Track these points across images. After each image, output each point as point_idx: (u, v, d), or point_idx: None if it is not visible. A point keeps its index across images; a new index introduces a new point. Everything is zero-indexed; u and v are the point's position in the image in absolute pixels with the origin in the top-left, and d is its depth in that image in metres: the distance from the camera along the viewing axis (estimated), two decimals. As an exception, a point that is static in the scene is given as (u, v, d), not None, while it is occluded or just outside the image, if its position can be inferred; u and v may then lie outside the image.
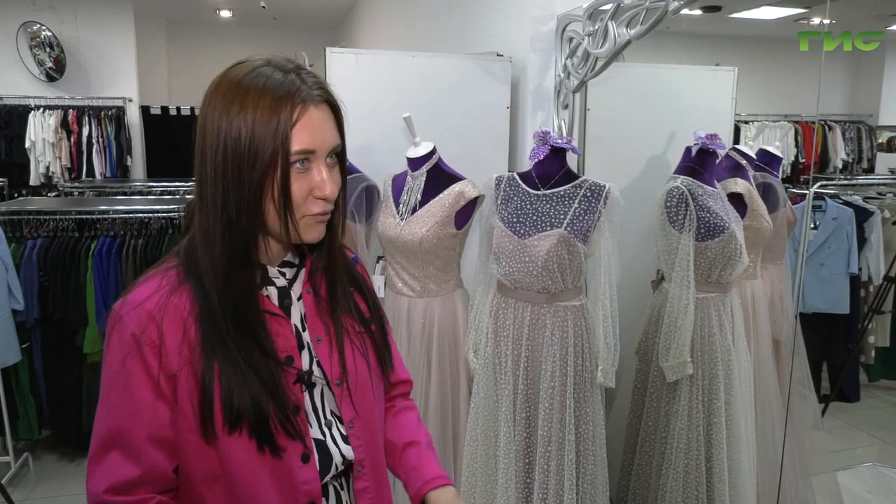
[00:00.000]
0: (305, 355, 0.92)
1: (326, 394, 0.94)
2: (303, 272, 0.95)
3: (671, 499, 2.08)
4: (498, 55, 2.51)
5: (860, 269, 2.94)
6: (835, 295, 2.84)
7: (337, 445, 0.93)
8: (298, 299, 0.94)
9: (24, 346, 3.00)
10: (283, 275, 0.93)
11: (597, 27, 1.92)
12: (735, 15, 2.79)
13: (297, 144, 0.82)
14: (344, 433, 0.94)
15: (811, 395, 2.47)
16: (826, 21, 2.04)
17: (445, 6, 3.58)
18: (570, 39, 2.16)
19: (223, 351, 0.83)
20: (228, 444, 0.83)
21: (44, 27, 5.91)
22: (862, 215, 2.92)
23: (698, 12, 2.49)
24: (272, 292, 0.91)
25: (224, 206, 0.82)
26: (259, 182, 0.81)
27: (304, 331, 0.93)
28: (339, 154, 0.90)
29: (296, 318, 0.93)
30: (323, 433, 0.92)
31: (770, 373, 2.33)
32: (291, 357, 0.90)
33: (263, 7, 6.29)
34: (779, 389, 2.33)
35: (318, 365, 0.93)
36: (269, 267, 0.92)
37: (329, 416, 0.93)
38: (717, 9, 2.59)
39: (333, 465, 0.92)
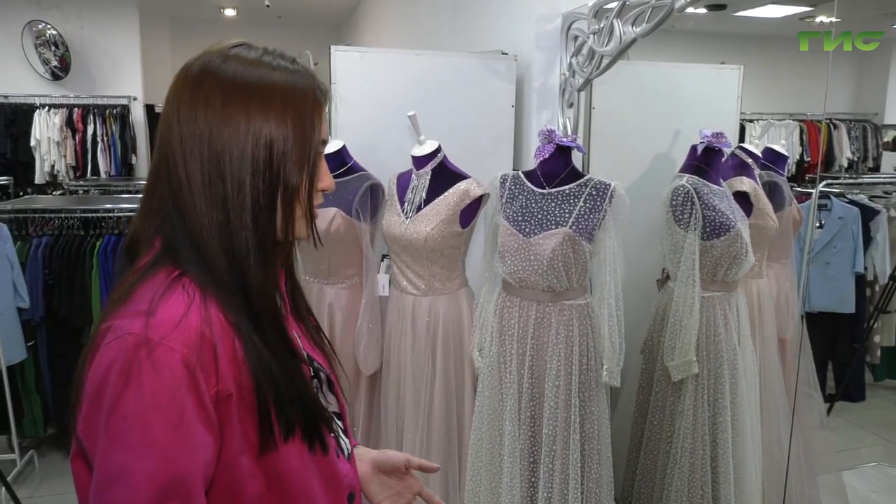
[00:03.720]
0: None
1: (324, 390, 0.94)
2: None
3: (676, 498, 2.07)
4: (503, 53, 2.51)
5: (866, 269, 2.92)
6: (840, 294, 2.82)
7: (345, 439, 0.94)
8: None
9: (29, 343, 3.01)
10: None
11: (602, 25, 1.92)
12: (740, 13, 2.77)
13: (321, 134, 0.83)
14: (342, 427, 0.95)
15: (817, 394, 2.46)
16: (832, 20, 2.03)
17: (450, 4, 3.58)
18: (576, 37, 2.16)
19: (268, 354, 0.76)
20: (285, 455, 0.78)
21: (49, 26, 5.92)
22: (868, 214, 2.91)
23: (703, 10, 2.48)
24: None
25: (252, 193, 0.77)
26: (294, 173, 0.79)
27: None
28: None
29: None
30: (332, 430, 0.92)
31: (776, 372, 2.33)
32: None
33: (268, 6, 6.29)
34: (784, 389, 2.32)
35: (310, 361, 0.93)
36: None
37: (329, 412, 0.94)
38: (722, 7, 2.58)
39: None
